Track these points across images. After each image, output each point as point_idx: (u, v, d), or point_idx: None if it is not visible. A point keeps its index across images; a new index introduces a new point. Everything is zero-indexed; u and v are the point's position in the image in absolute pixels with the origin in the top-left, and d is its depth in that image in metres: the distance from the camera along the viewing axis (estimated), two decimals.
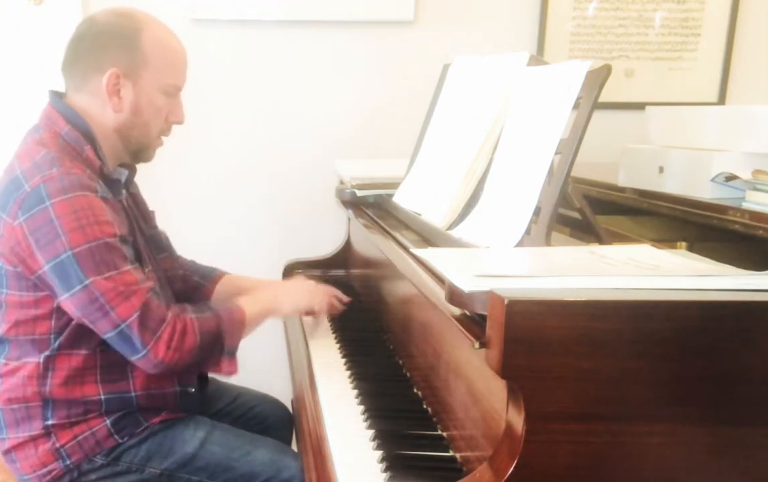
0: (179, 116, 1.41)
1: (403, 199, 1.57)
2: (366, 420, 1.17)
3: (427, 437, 1.12)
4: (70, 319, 1.28)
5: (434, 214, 1.36)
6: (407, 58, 2.31)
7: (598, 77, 1.10)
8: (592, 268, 0.90)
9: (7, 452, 1.36)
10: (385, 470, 1.01)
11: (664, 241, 1.30)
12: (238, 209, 2.39)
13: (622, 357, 0.77)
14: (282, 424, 1.67)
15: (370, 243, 1.69)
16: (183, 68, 1.40)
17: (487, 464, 0.82)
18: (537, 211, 1.11)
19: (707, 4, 2.34)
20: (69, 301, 1.24)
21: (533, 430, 0.78)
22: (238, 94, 2.32)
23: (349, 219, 1.99)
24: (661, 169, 1.44)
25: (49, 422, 1.32)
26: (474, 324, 0.89)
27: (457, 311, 0.94)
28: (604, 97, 1.09)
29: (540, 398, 0.78)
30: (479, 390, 0.97)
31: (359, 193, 1.78)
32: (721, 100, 2.38)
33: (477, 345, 0.84)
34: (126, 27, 1.33)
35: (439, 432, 1.13)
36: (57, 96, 1.37)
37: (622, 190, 1.55)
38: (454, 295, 0.86)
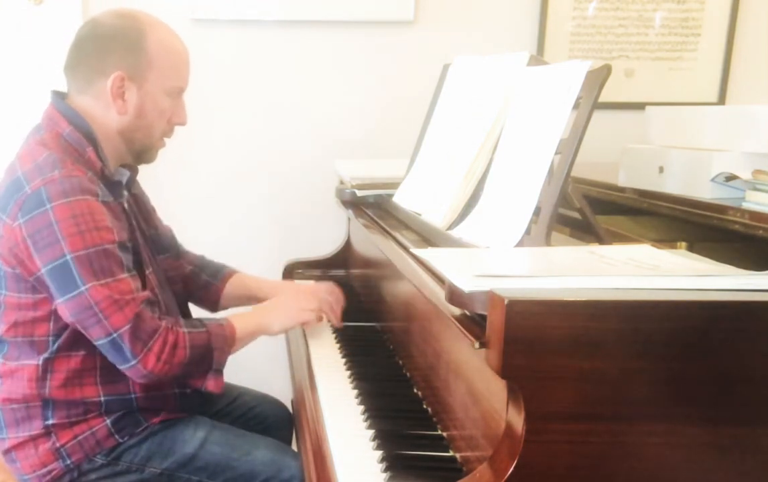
0: (182, 118, 1.41)
1: (403, 199, 1.57)
2: (366, 420, 1.17)
3: (427, 437, 1.12)
4: (67, 322, 1.28)
5: (434, 214, 1.36)
6: (407, 58, 2.31)
7: (598, 77, 1.10)
8: (592, 268, 0.90)
9: (7, 452, 1.36)
10: (385, 470, 1.01)
11: (664, 241, 1.30)
12: (238, 209, 2.39)
13: (622, 357, 0.77)
14: (282, 424, 1.67)
15: (370, 244, 1.69)
16: (186, 70, 1.40)
17: (487, 464, 0.82)
18: (537, 211, 1.11)
19: (707, 4, 2.34)
20: (63, 305, 1.24)
21: (533, 430, 0.78)
22: (238, 94, 2.33)
23: (349, 219, 1.99)
24: (661, 169, 1.44)
25: (49, 422, 1.32)
26: (474, 324, 0.89)
27: (457, 311, 0.94)
28: (604, 97, 1.09)
29: (540, 398, 0.78)
30: (479, 390, 0.96)
31: (359, 193, 1.78)
32: (721, 100, 2.38)
33: (477, 345, 0.84)
34: (130, 29, 1.33)
35: (439, 432, 1.13)
36: (59, 96, 1.36)
37: (622, 190, 1.55)
38: (454, 295, 0.86)
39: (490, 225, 1.19)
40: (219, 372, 1.35)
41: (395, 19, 2.29)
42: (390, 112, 2.31)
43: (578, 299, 0.77)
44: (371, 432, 1.13)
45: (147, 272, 1.38)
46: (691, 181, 1.36)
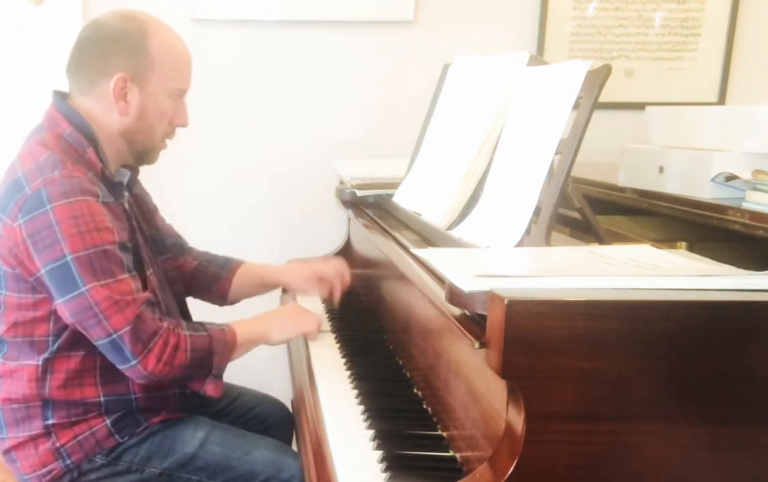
0: (183, 119, 1.41)
1: (403, 199, 1.57)
2: (366, 420, 1.17)
3: (427, 437, 1.12)
4: (67, 322, 1.28)
5: (434, 214, 1.36)
6: (407, 58, 2.31)
7: (598, 77, 1.10)
8: (592, 268, 0.90)
9: (7, 452, 1.36)
10: (385, 470, 1.01)
11: (664, 241, 1.30)
12: (238, 209, 2.39)
13: (622, 357, 0.77)
14: (282, 424, 1.67)
15: (370, 243, 1.69)
16: (188, 71, 1.40)
17: (487, 464, 0.82)
18: (537, 211, 1.11)
19: (707, 4, 2.34)
20: (63, 306, 1.24)
21: (533, 430, 0.78)
22: (238, 94, 2.33)
23: (349, 219, 1.99)
24: (661, 169, 1.44)
25: (49, 422, 1.32)
26: (474, 324, 0.89)
27: (457, 311, 0.94)
28: (604, 97, 1.09)
29: (540, 398, 0.78)
30: (479, 390, 0.96)
31: (359, 193, 1.78)
32: (721, 100, 2.38)
33: (477, 345, 0.84)
34: (132, 31, 1.32)
35: (439, 432, 1.13)
36: (60, 97, 1.36)
37: (622, 190, 1.55)
38: (454, 295, 0.86)
39: (490, 225, 1.19)
40: (218, 376, 1.35)
41: (395, 19, 2.29)
42: (390, 112, 2.31)
43: (578, 299, 0.77)
44: (371, 432, 1.13)
45: (147, 273, 1.38)
46: (691, 181, 1.36)
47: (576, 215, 1.26)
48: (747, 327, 0.78)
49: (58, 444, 1.33)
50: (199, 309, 1.69)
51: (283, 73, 2.32)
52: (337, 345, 1.53)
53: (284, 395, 1.74)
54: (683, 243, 1.31)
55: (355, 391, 1.29)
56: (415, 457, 1.06)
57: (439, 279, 1.03)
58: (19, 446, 1.34)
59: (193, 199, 2.36)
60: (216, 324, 1.38)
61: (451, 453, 1.07)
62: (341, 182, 1.95)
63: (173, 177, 2.23)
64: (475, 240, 1.18)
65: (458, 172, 1.34)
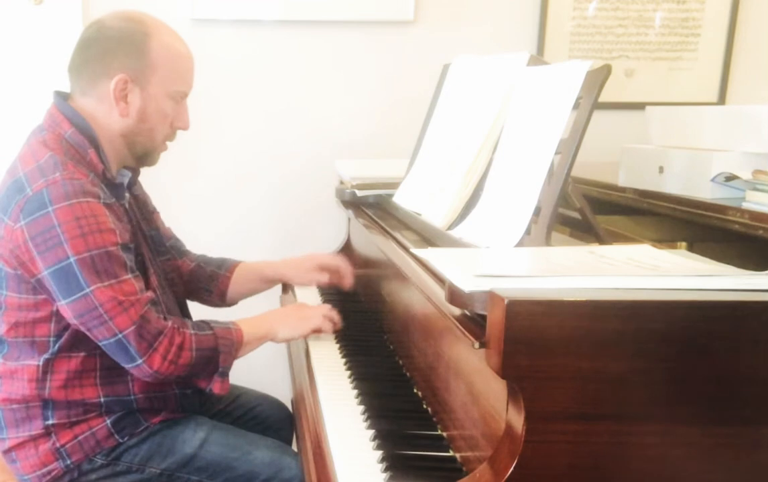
0: (184, 122, 1.41)
1: (403, 199, 1.57)
2: (366, 420, 1.17)
3: (427, 437, 1.12)
4: (69, 323, 1.28)
5: (434, 214, 1.36)
6: (407, 58, 2.31)
7: (598, 77, 1.10)
8: (592, 268, 0.90)
9: (7, 452, 1.36)
10: (385, 470, 1.01)
11: (664, 241, 1.30)
12: (238, 209, 2.39)
13: (622, 357, 0.77)
14: (282, 424, 1.67)
15: (370, 244, 1.69)
16: (190, 74, 1.40)
17: (487, 464, 0.82)
18: (537, 211, 1.11)
19: (707, 4, 2.34)
20: (67, 307, 1.24)
21: (533, 430, 0.78)
22: (238, 94, 2.33)
23: (349, 219, 1.99)
24: (661, 169, 1.44)
25: (50, 422, 1.32)
26: (474, 324, 0.89)
27: (457, 311, 0.94)
28: (604, 97, 1.09)
29: (540, 398, 0.78)
30: (479, 390, 0.96)
31: (359, 193, 1.78)
32: (721, 100, 2.38)
33: (477, 345, 0.84)
34: (135, 32, 1.32)
35: (439, 432, 1.13)
36: (61, 97, 1.36)
37: (622, 190, 1.55)
38: (454, 295, 0.86)
39: (490, 225, 1.19)
40: (225, 375, 1.35)
41: (395, 19, 2.29)
42: (390, 112, 2.31)
43: (578, 299, 0.77)
44: (371, 432, 1.13)
45: (149, 273, 1.38)
46: (691, 181, 1.36)
47: (576, 215, 1.25)
48: (747, 327, 0.78)
49: (58, 444, 1.33)
50: (202, 309, 1.69)
51: (283, 73, 2.32)
52: (337, 346, 1.52)
53: (284, 395, 1.75)
54: (683, 244, 1.31)
55: (355, 391, 1.29)
56: (415, 457, 1.06)
57: (439, 279, 1.03)
58: (19, 446, 1.34)
59: (193, 199, 2.36)
60: (222, 323, 1.38)
61: (451, 453, 1.07)
62: (341, 182, 1.95)
63: (174, 177, 2.23)
64: (475, 240, 1.18)
65: (458, 172, 1.34)
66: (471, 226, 1.25)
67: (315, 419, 1.24)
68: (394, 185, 1.67)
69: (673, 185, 1.40)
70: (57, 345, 1.30)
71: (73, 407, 1.33)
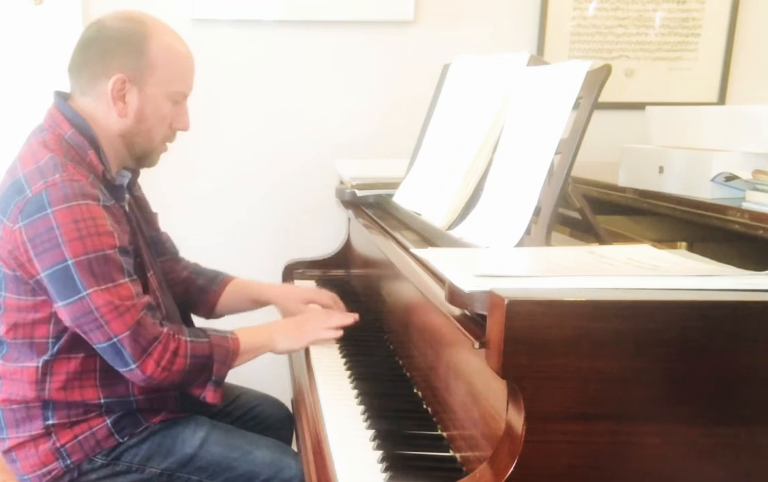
0: (184, 123, 1.40)
1: (403, 199, 1.57)
2: (366, 420, 1.17)
3: (427, 437, 1.12)
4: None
5: (434, 214, 1.36)
6: (407, 58, 2.31)
7: (598, 77, 1.10)
8: (592, 268, 0.90)
9: (7, 452, 1.36)
10: (385, 470, 1.01)
11: (664, 241, 1.30)
12: (238, 209, 2.39)
13: (622, 357, 0.77)
14: (282, 424, 1.67)
15: (370, 244, 1.69)
16: (190, 75, 1.39)
17: (487, 464, 0.82)
18: (537, 211, 1.11)
19: (707, 4, 2.34)
20: (64, 310, 1.24)
21: (533, 430, 0.78)
22: (238, 94, 2.33)
23: (349, 219, 1.99)
24: (661, 169, 1.44)
25: (50, 422, 1.32)
26: (474, 324, 0.89)
27: (457, 311, 0.94)
28: (604, 97, 1.09)
29: (540, 398, 0.78)
30: (479, 390, 0.97)
31: (359, 193, 1.78)
32: (721, 100, 2.38)
33: (477, 345, 0.84)
34: (134, 32, 1.32)
35: (439, 432, 1.13)
36: (62, 97, 1.36)
37: (622, 190, 1.55)
38: (454, 295, 0.86)
39: (490, 225, 1.19)
40: (218, 383, 1.34)
41: (395, 19, 2.29)
42: (390, 112, 2.31)
43: (578, 299, 0.77)
44: (371, 432, 1.13)
45: (148, 275, 1.38)
46: (691, 181, 1.36)
47: (576, 215, 1.25)
48: (747, 327, 0.78)
49: (58, 444, 1.33)
50: None
51: (282, 73, 2.32)
52: (337, 346, 1.52)
53: (284, 395, 1.74)
54: (683, 243, 1.31)
55: (355, 391, 1.29)
56: (415, 457, 1.06)
57: (439, 279, 1.03)
58: (19, 446, 1.34)
59: (193, 199, 2.36)
60: (220, 331, 1.37)
61: (451, 453, 1.07)
62: (341, 182, 1.95)
63: (173, 177, 2.23)
64: (475, 240, 1.18)
65: (458, 172, 1.34)
66: (471, 225, 1.25)
67: (315, 419, 1.24)
68: (394, 185, 1.67)
69: (673, 185, 1.40)
70: (56, 347, 1.30)
71: (73, 407, 1.33)
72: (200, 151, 2.31)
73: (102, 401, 1.33)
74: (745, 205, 1.24)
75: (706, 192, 1.32)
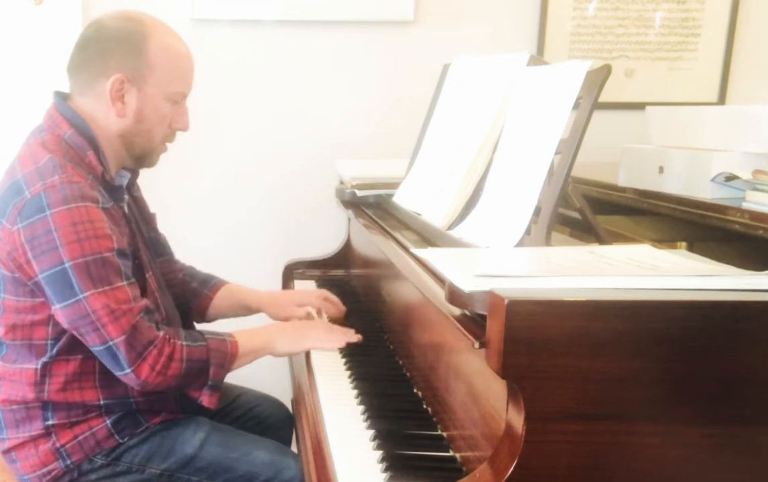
0: (184, 123, 1.40)
1: (403, 199, 1.57)
2: (366, 420, 1.17)
3: (427, 437, 1.12)
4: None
5: (434, 214, 1.36)
6: (407, 58, 2.31)
7: (598, 77, 1.10)
8: (592, 268, 0.90)
9: (7, 452, 1.36)
10: (385, 470, 1.01)
11: (664, 241, 1.30)
12: (238, 210, 2.39)
13: (622, 357, 0.77)
14: (282, 424, 1.67)
15: (370, 244, 1.69)
16: (189, 75, 1.38)
17: (487, 464, 0.82)
18: (537, 211, 1.11)
19: (707, 4, 2.34)
20: (61, 312, 1.24)
21: (533, 430, 0.78)
22: (238, 94, 2.33)
23: (349, 219, 1.99)
24: (661, 169, 1.44)
25: (50, 422, 1.32)
26: (474, 324, 0.89)
27: (457, 311, 0.94)
28: (604, 97, 1.09)
29: (540, 398, 0.78)
30: (479, 390, 0.96)
31: (359, 193, 1.78)
32: (721, 100, 2.38)
33: (477, 345, 0.84)
34: (133, 32, 1.32)
35: (439, 432, 1.13)
36: (61, 98, 1.36)
37: (622, 190, 1.55)
38: (454, 295, 0.86)
39: (490, 225, 1.19)
40: (215, 388, 1.33)
41: (395, 19, 2.29)
42: (390, 112, 2.31)
43: (578, 299, 0.77)
44: (371, 432, 1.13)
45: (147, 276, 1.37)
46: (691, 181, 1.36)
47: (576, 215, 1.25)
48: (747, 327, 0.78)
49: (58, 445, 1.33)
50: None
51: (282, 73, 2.32)
52: None
53: (284, 395, 1.74)
54: (683, 244, 1.31)
55: (355, 391, 1.29)
56: (415, 457, 1.06)
57: (439, 279, 1.03)
58: (19, 446, 1.34)
59: (193, 199, 2.36)
60: (217, 334, 1.36)
61: (451, 453, 1.07)
62: (341, 182, 1.95)
63: (173, 178, 2.23)
64: (475, 240, 1.18)
65: (458, 172, 1.34)
66: (471, 225, 1.25)
67: (315, 419, 1.24)
68: (394, 185, 1.66)
69: (673, 185, 1.40)
70: (55, 349, 1.30)
71: (73, 408, 1.33)
72: (200, 151, 2.31)
73: (102, 402, 1.33)
74: (745, 205, 1.24)
75: (706, 192, 1.32)
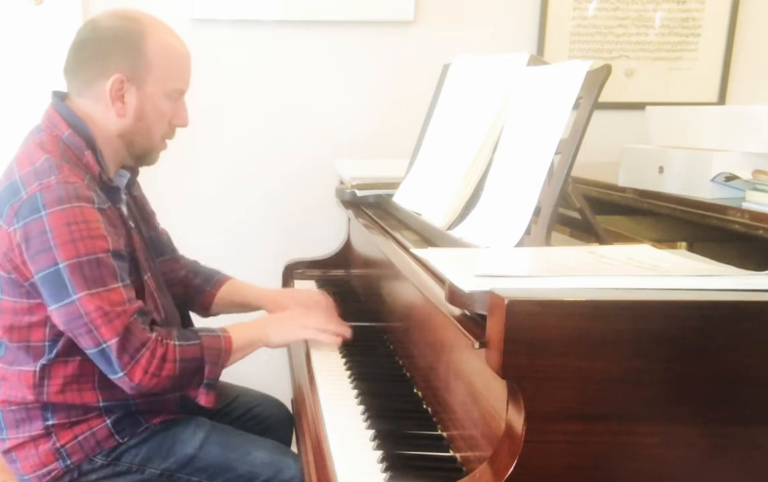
0: (183, 120, 1.40)
1: (403, 199, 1.57)
2: (366, 420, 1.17)
3: (427, 437, 1.12)
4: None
5: (434, 214, 1.36)
6: (407, 58, 2.31)
7: (598, 77, 1.10)
8: (592, 268, 0.90)
9: (7, 452, 1.36)
10: (385, 470, 1.01)
11: (664, 241, 1.30)
12: (238, 209, 2.39)
13: (622, 357, 0.77)
14: (282, 424, 1.67)
15: (370, 244, 1.69)
16: (187, 72, 1.38)
17: (487, 464, 0.82)
18: (537, 211, 1.11)
19: (707, 4, 2.34)
20: (55, 313, 1.23)
21: (533, 430, 0.78)
22: (238, 94, 2.33)
23: (349, 219, 1.99)
24: (661, 169, 1.44)
25: (50, 422, 1.32)
26: (474, 324, 0.89)
27: (457, 311, 0.94)
28: (604, 97, 1.09)
29: (540, 398, 0.78)
30: (479, 390, 0.96)
31: (359, 193, 1.78)
32: (721, 100, 2.38)
33: (477, 345, 0.84)
34: (130, 31, 1.31)
35: (439, 432, 1.13)
36: (59, 98, 1.35)
37: (622, 190, 1.55)
38: (454, 295, 0.86)
39: (490, 225, 1.19)
40: (211, 386, 1.32)
41: (395, 19, 2.29)
42: (390, 112, 2.31)
43: (578, 299, 0.77)
44: (371, 432, 1.13)
45: (145, 277, 1.36)
46: (691, 181, 1.36)
47: (576, 215, 1.25)
48: (747, 327, 0.78)
49: (58, 445, 1.33)
50: None
51: (282, 73, 2.32)
52: (337, 345, 1.52)
53: (284, 395, 1.74)
54: (683, 243, 1.31)
55: (355, 391, 1.29)
56: (415, 457, 1.06)
57: (439, 279, 1.03)
58: (19, 446, 1.34)
59: (193, 199, 2.36)
60: (211, 331, 1.35)
61: (451, 453, 1.07)
62: (341, 182, 1.95)
63: (173, 178, 2.23)
64: (475, 240, 1.18)
65: (458, 172, 1.34)
66: (471, 225, 1.25)
67: (315, 419, 1.24)
68: (394, 185, 1.66)
69: (673, 185, 1.40)
70: (53, 351, 1.29)
71: (72, 409, 1.33)
72: (200, 151, 2.31)
73: (101, 404, 1.33)
74: (745, 205, 1.24)
75: (706, 192, 1.32)
